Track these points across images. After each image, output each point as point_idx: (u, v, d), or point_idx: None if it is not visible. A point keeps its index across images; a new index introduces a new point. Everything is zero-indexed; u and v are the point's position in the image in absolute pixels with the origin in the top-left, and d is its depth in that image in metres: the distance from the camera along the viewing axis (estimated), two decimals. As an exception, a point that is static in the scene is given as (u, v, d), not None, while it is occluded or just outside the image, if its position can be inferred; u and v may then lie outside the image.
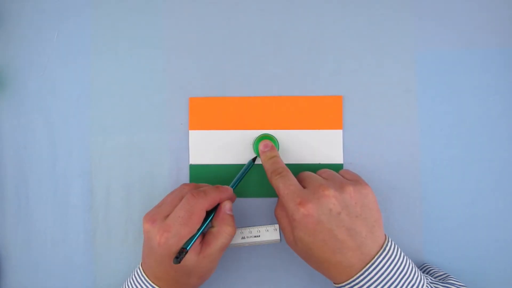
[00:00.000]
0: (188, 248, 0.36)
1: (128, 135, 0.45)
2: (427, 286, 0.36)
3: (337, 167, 0.44)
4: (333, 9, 0.45)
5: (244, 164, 0.45)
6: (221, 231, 0.38)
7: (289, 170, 0.40)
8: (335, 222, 0.35)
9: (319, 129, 0.44)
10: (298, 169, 0.44)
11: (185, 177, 0.45)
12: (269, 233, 0.44)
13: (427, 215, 0.42)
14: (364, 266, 0.35)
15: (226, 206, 0.40)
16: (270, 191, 0.45)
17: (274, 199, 0.45)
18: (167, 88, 0.45)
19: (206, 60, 0.45)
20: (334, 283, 0.38)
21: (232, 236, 0.39)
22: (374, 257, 0.35)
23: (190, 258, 0.37)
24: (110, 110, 0.46)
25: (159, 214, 0.38)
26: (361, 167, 0.44)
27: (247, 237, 0.44)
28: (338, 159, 0.44)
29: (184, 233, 0.36)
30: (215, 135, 0.45)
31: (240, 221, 0.45)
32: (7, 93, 0.46)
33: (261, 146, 0.43)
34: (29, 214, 0.45)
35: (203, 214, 0.38)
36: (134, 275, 0.40)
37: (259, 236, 0.44)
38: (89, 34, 0.46)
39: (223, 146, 0.45)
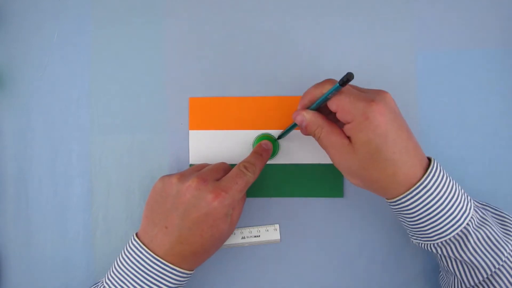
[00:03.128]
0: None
1: (128, 135, 0.45)
2: (473, 201, 0.37)
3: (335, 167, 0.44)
4: (333, 9, 0.45)
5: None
6: (234, 174, 0.39)
7: None
8: (400, 122, 0.35)
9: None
10: (298, 169, 0.44)
11: (185, 177, 0.45)
12: (269, 233, 0.44)
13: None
14: (428, 168, 0.35)
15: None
16: (270, 191, 0.45)
17: (274, 199, 0.45)
18: (167, 88, 0.45)
19: (206, 60, 0.45)
20: (392, 196, 0.36)
21: (250, 176, 0.40)
22: (432, 163, 0.36)
23: (209, 201, 0.37)
24: (110, 110, 0.46)
25: (209, 176, 0.39)
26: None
27: (247, 237, 0.44)
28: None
29: (238, 199, 0.38)
30: (215, 135, 0.45)
31: (240, 221, 0.45)
32: (7, 93, 0.46)
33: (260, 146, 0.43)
34: (29, 214, 0.45)
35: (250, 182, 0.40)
36: (133, 248, 0.38)
37: (259, 236, 0.44)
38: (89, 34, 0.46)
39: (223, 146, 0.45)
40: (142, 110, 0.45)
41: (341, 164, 0.37)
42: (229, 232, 0.39)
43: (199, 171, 0.40)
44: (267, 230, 0.45)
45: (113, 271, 0.38)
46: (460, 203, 0.35)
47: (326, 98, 0.36)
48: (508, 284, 0.35)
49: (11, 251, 0.45)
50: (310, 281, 0.44)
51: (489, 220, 0.36)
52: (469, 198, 0.37)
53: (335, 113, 0.36)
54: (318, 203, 0.45)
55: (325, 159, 0.44)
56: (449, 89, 0.44)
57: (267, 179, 0.45)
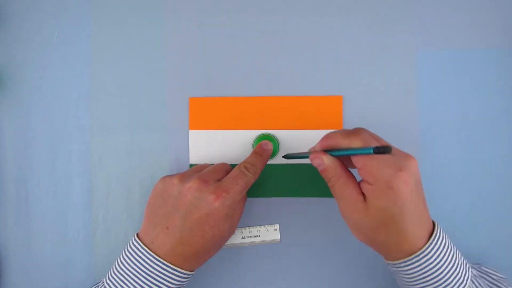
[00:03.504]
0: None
1: (128, 135, 0.45)
2: (471, 270, 0.37)
3: None
4: (333, 9, 0.45)
5: None
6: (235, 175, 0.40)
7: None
8: (419, 192, 0.35)
9: (319, 129, 0.44)
10: (298, 169, 0.44)
11: (185, 177, 0.45)
12: (269, 233, 0.44)
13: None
14: (430, 237, 0.35)
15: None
16: (270, 191, 0.45)
17: (274, 199, 0.45)
18: (167, 88, 0.45)
19: (206, 60, 0.45)
20: (394, 259, 0.36)
21: (249, 177, 0.40)
22: (435, 228, 0.36)
23: (211, 202, 0.37)
24: (110, 110, 0.46)
25: (209, 177, 0.39)
26: (361, 167, 0.44)
27: (247, 237, 0.44)
28: (338, 159, 0.44)
29: (239, 199, 0.38)
30: (215, 135, 0.45)
31: (240, 221, 0.45)
32: (7, 93, 0.46)
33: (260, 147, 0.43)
34: (29, 214, 0.45)
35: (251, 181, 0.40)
36: (134, 248, 0.38)
37: (259, 236, 0.44)
38: (89, 34, 0.46)
39: (223, 146, 0.45)
40: (142, 110, 0.45)
41: (350, 219, 0.36)
42: (230, 233, 0.39)
43: (200, 171, 0.40)
44: (267, 230, 0.45)
45: (114, 272, 0.38)
46: (458, 273, 0.35)
47: (352, 154, 0.34)
48: None
49: (11, 251, 0.45)
50: (310, 281, 0.44)
51: None
52: (467, 266, 0.36)
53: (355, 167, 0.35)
54: (318, 203, 0.45)
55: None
56: (449, 89, 0.44)
57: (267, 179, 0.45)
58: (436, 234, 0.35)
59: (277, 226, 0.45)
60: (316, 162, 0.37)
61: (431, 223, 0.36)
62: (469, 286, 0.35)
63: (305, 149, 0.44)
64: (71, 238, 0.45)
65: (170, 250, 0.37)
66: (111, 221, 0.45)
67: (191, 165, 0.45)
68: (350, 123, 0.44)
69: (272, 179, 0.45)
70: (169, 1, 0.46)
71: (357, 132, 0.35)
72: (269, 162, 0.44)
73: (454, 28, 0.45)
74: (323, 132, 0.44)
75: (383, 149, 0.31)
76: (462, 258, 0.36)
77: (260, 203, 0.45)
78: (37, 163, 0.45)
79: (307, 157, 0.38)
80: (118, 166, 0.45)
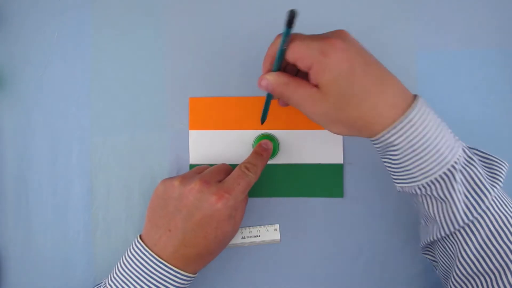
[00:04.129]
0: None
1: (128, 135, 0.45)
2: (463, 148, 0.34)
3: (337, 167, 0.44)
4: (333, 9, 0.45)
5: None
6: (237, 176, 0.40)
7: None
8: (366, 56, 0.33)
9: (319, 129, 0.44)
10: (298, 169, 0.44)
11: (185, 177, 0.45)
12: (269, 233, 0.44)
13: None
14: (412, 102, 0.33)
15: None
16: (270, 191, 0.45)
17: (274, 199, 0.45)
18: (167, 88, 0.45)
19: (206, 60, 0.45)
20: (375, 133, 0.34)
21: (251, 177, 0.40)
22: (415, 97, 0.33)
23: (212, 203, 0.37)
24: (110, 110, 0.45)
25: (211, 178, 0.38)
26: (361, 168, 0.44)
27: (247, 237, 0.44)
28: (338, 159, 0.44)
29: (241, 200, 0.38)
30: (215, 135, 0.45)
31: (240, 221, 0.45)
32: (7, 93, 0.46)
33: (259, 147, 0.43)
34: (29, 214, 0.45)
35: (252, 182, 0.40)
36: (136, 250, 0.38)
37: (259, 236, 0.44)
38: (89, 34, 0.46)
39: (223, 146, 0.45)
40: (142, 110, 0.45)
41: (317, 114, 0.34)
42: (233, 234, 0.39)
43: (200, 173, 0.40)
44: (267, 230, 0.45)
45: (116, 273, 0.38)
46: (448, 140, 0.33)
47: (282, 51, 0.33)
48: (487, 235, 0.33)
49: (11, 251, 0.45)
50: (310, 281, 0.44)
51: (475, 161, 0.34)
52: (456, 137, 0.34)
53: (304, 72, 0.34)
54: (318, 203, 0.45)
55: (325, 159, 0.44)
56: (449, 89, 0.44)
57: (267, 179, 0.45)
58: (418, 101, 0.33)
59: (277, 226, 0.45)
60: (263, 84, 0.36)
61: (410, 93, 0.34)
62: (460, 153, 0.33)
63: (305, 149, 0.44)
64: (71, 238, 0.45)
65: (172, 252, 0.37)
66: (111, 221, 0.45)
67: (191, 165, 0.45)
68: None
69: (272, 179, 0.45)
70: (169, 1, 0.46)
71: (277, 35, 0.34)
72: (269, 162, 0.44)
73: (454, 28, 0.45)
74: (323, 132, 0.44)
75: (290, 16, 0.30)
76: (449, 129, 0.34)
77: (260, 203, 0.45)
78: (37, 163, 0.45)
79: (270, 96, 0.39)
80: (118, 166, 0.45)
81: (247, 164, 0.40)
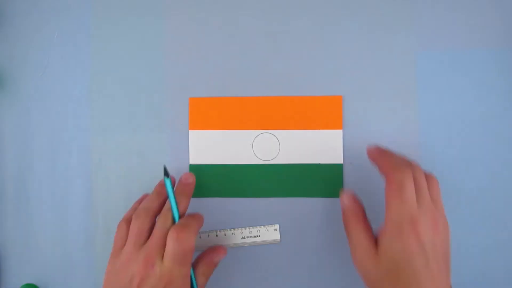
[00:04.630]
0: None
1: (128, 135, 0.45)
2: None
3: (336, 168, 0.44)
4: (333, 9, 0.45)
5: (242, 165, 0.45)
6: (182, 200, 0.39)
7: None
8: (431, 253, 0.33)
9: (319, 129, 0.44)
10: (298, 169, 0.44)
11: (185, 177, 0.45)
12: (269, 233, 0.44)
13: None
14: None
15: (218, 258, 0.41)
16: (270, 191, 0.45)
17: (274, 199, 0.45)
18: (167, 88, 0.45)
19: (206, 60, 0.45)
20: None
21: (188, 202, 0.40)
22: None
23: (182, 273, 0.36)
24: (110, 110, 0.46)
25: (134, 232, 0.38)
26: (361, 168, 0.44)
27: (247, 237, 0.44)
28: (338, 159, 0.44)
29: (183, 271, 0.36)
30: (215, 135, 0.45)
31: (240, 221, 0.45)
32: (7, 93, 0.46)
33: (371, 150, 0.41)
34: (29, 214, 0.45)
35: (192, 251, 0.37)
36: None
37: (259, 236, 0.44)
38: (89, 34, 0.46)
39: (223, 146, 0.45)
40: (142, 110, 0.45)
41: (360, 264, 0.36)
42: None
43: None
44: (267, 230, 0.45)
45: None
46: None
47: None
48: None
49: (11, 251, 0.45)
50: (310, 281, 0.44)
51: None
52: None
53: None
54: (318, 203, 0.45)
55: (325, 159, 0.44)
56: (449, 89, 0.44)
57: (267, 179, 0.45)
58: None
59: (277, 226, 0.45)
60: (342, 201, 0.39)
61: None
62: None
63: (305, 150, 0.44)
64: (71, 238, 0.45)
65: None
66: (111, 221, 0.45)
67: (191, 165, 0.45)
68: (350, 123, 0.44)
69: (272, 179, 0.45)
70: (170, 1, 0.46)
71: (400, 186, 0.34)
72: (269, 162, 0.44)
73: (454, 28, 0.45)
74: (323, 132, 0.44)
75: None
76: None
77: (260, 203, 0.45)
78: (37, 163, 0.45)
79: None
80: (118, 166, 0.45)
81: (178, 227, 0.37)
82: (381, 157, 0.38)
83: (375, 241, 0.35)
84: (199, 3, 0.46)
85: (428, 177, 0.37)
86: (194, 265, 0.40)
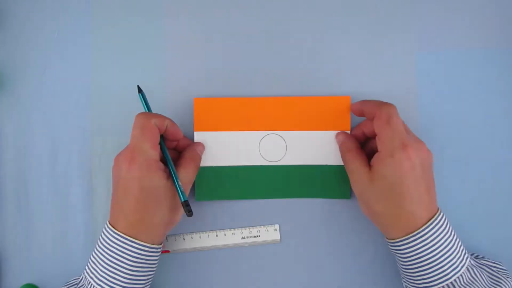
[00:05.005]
0: (184, 200, 0.37)
1: (129, 135, 0.45)
2: (470, 260, 0.38)
3: (343, 169, 0.43)
4: (334, 10, 0.45)
5: (249, 166, 0.44)
6: (190, 162, 0.41)
7: None
8: (421, 174, 0.37)
9: (326, 130, 0.44)
10: (305, 171, 0.44)
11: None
12: (269, 233, 0.44)
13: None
14: (430, 219, 0.37)
15: (199, 146, 0.43)
16: (277, 193, 0.45)
17: (274, 200, 0.45)
18: (168, 88, 0.45)
19: (209, 60, 0.45)
20: (393, 237, 0.38)
21: (196, 173, 0.41)
22: (436, 213, 0.38)
23: (159, 179, 0.37)
24: (110, 110, 0.45)
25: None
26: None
27: (247, 237, 0.44)
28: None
29: (146, 148, 0.37)
30: (220, 136, 0.44)
31: (240, 221, 0.45)
32: (7, 93, 0.46)
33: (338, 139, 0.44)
34: (29, 214, 0.45)
35: (155, 129, 0.38)
36: (103, 231, 0.39)
37: (259, 236, 0.44)
38: (89, 34, 0.46)
39: (229, 147, 0.44)
40: (142, 109, 0.45)
41: (357, 188, 0.40)
42: (173, 188, 0.39)
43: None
44: (267, 230, 0.45)
45: (90, 258, 0.39)
46: (453, 259, 0.37)
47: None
48: None
49: (11, 251, 0.45)
50: (310, 282, 0.44)
51: (479, 282, 0.37)
52: (465, 256, 0.38)
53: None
54: (318, 203, 0.45)
55: (332, 161, 0.44)
56: (449, 89, 0.44)
57: (274, 181, 0.44)
58: (436, 218, 0.37)
59: (277, 226, 0.45)
60: (337, 139, 0.43)
61: (435, 209, 0.38)
62: (463, 273, 0.37)
63: (312, 151, 0.44)
64: (71, 238, 0.45)
65: (125, 224, 0.38)
66: (111, 221, 0.45)
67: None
68: (356, 124, 0.44)
69: (279, 180, 0.44)
70: (170, 1, 0.46)
71: (388, 117, 0.38)
72: (276, 163, 0.44)
73: (454, 28, 0.45)
74: (331, 133, 0.44)
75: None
76: (460, 247, 0.38)
77: (260, 203, 0.45)
78: (37, 163, 0.45)
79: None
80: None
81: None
82: (365, 104, 0.41)
83: (370, 167, 0.39)
84: (201, 2, 0.45)
85: None
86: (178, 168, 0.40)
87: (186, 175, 0.40)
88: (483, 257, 0.42)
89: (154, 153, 0.38)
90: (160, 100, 0.45)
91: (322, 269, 0.44)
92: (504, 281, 0.38)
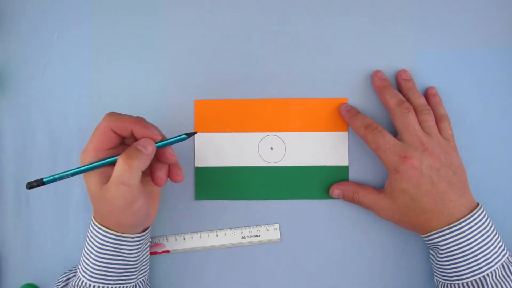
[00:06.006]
0: (45, 181, 0.34)
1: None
2: (509, 252, 0.39)
3: (342, 169, 0.44)
4: (334, 10, 0.45)
5: (248, 167, 0.44)
6: (120, 160, 0.34)
7: (380, 125, 0.41)
8: (436, 176, 0.38)
9: (324, 131, 0.44)
10: (303, 172, 0.44)
11: (190, 180, 0.45)
12: (269, 233, 0.45)
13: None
14: (467, 214, 0.38)
15: (141, 142, 0.35)
16: (276, 194, 0.45)
17: (274, 200, 0.45)
18: (168, 89, 0.45)
19: (208, 61, 0.45)
20: (428, 232, 0.39)
21: (135, 170, 0.34)
22: (475, 208, 0.39)
23: (92, 183, 0.36)
24: (110, 110, 0.45)
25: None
26: (366, 169, 0.44)
27: (247, 236, 0.44)
28: (343, 161, 0.44)
29: (89, 149, 0.36)
30: (220, 138, 0.45)
31: (240, 221, 0.45)
32: (7, 93, 0.46)
33: (343, 109, 0.44)
34: (29, 214, 0.45)
35: (108, 133, 0.36)
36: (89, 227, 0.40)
37: (259, 235, 0.44)
38: (89, 34, 0.46)
39: (229, 149, 0.45)
40: (142, 111, 0.45)
41: (385, 216, 0.41)
42: (106, 194, 0.35)
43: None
44: (267, 230, 0.45)
45: (82, 253, 0.40)
46: (488, 253, 0.37)
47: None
48: None
49: (11, 251, 0.45)
50: (310, 281, 0.44)
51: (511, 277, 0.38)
52: (503, 253, 0.38)
53: None
54: (318, 204, 0.45)
55: (331, 161, 0.44)
56: (449, 89, 0.44)
57: (273, 182, 0.45)
58: (475, 214, 0.38)
59: (277, 226, 0.45)
60: (335, 194, 0.44)
61: (473, 204, 0.39)
62: (497, 268, 0.37)
63: (311, 152, 0.44)
64: (71, 238, 0.45)
65: (103, 217, 0.38)
66: (111, 221, 0.45)
67: (196, 168, 0.45)
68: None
69: (278, 181, 0.44)
70: (170, 1, 0.45)
71: (376, 146, 0.40)
72: (275, 164, 0.44)
73: (454, 28, 0.45)
74: (329, 134, 0.44)
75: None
76: (499, 243, 0.38)
77: (260, 203, 0.45)
78: (37, 163, 0.45)
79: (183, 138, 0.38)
80: (118, 166, 0.45)
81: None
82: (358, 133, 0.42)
83: (383, 191, 0.41)
84: (201, 3, 0.45)
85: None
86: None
87: (114, 174, 0.34)
88: None
89: (96, 155, 0.36)
90: (161, 102, 0.45)
91: (322, 268, 0.45)
92: None
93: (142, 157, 0.35)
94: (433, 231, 0.39)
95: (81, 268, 0.39)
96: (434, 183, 0.38)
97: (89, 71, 0.46)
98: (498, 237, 0.39)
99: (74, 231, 0.45)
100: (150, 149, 0.35)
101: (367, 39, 0.45)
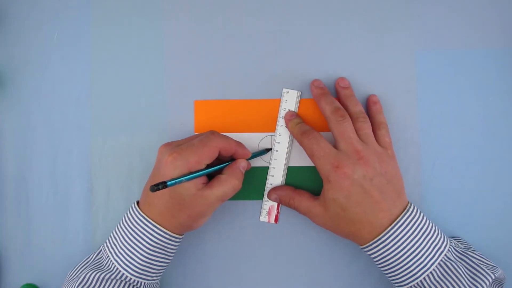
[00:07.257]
0: (168, 184, 0.35)
1: (128, 136, 0.45)
2: (449, 248, 0.38)
3: None
4: (334, 10, 0.45)
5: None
6: (228, 181, 0.39)
7: (318, 132, 0.41)
8: (368, 185, 0.38)
9: (324, 131, 0.44)
10: (302, 172, 0.44)
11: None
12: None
13: (427, 215, 0.42)
14: (390, 224, 0.38)
15: (242, 163, 0.41)
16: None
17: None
18: (167, 89, 0.45)
19: (208, 61, 0.45)
20: (361, 245, 0.40)
21: (236, 190, 0.40)
22: (399, 216, 0.38)
23: (188, 188, 0.37)
24: (110, 110, 0.45)
25: (175, 142, 0.40)
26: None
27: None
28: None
29: (191, 160, 0.37)
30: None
31: (240, 221, 0.45)
32: (7, 93, 0.46)
33: (287, 116, 0.44)
34: (29, 214, 0.45)
35: (215, 152, 0.39)
36: (129, 210, 0.40)
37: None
38: (89, 34, 0.46)
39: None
40: (142, 111, 0.45)
41: (319, 223, 0.41)
42: (201, 199, 0.38)
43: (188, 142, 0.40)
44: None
45: (113, 235, 0.40)
46: (420, 258, 0.37)
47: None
48: None
49: (11, 251, 0.45)
50: (310, 282, 0.44)
51: (453, 276, 0.37)
52: (439, 251, 0.38)
53: None
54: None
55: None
56: (449, 89, 0.44)
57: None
58: (398, 223, 0.38)
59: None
60: (273, 198, 0.44)
61: (398, 212, 0.39)
62: (433, 270, 0.37)
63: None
64: (71, 238, 0.45)
65: (147, 207, 0.39)
66: (111, 221, 0.45)
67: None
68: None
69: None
70: (170, 2, 0.46)
71: (311, 153, 0.40)
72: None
73: (454, 28, 0.45)
74: (329, 134, 0.44)
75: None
76: (432, 243, 0.38)
77: (260, 203, 0.45)
78: (37, 163, 0.45)
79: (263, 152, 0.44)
80: (118, 166, 0.45)
81: (214, 131, 0.41)
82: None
83: (315, 199, 0.41)
84: (201, 4, 0.45)
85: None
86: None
87: (220, 190, 0.39)
88: (474, 251, 0.41)
89: (195, 166, 0.38)
90: (161, 102, 0.45)
91: (322, 269, 0.44)
92: (484, 273, 0.37)
93: (242, 178, 0.40)
94: (365, 242, 0.39)
95: (123, 261, 0.39)
96: (365, 193, 0.38)
97: (89, 71, 0.46)
98: (433, 235, 0.38)
99: (74, 231, 0.45)
100: (247, 169, 0.42)
101: (367, 39, 0.45)
